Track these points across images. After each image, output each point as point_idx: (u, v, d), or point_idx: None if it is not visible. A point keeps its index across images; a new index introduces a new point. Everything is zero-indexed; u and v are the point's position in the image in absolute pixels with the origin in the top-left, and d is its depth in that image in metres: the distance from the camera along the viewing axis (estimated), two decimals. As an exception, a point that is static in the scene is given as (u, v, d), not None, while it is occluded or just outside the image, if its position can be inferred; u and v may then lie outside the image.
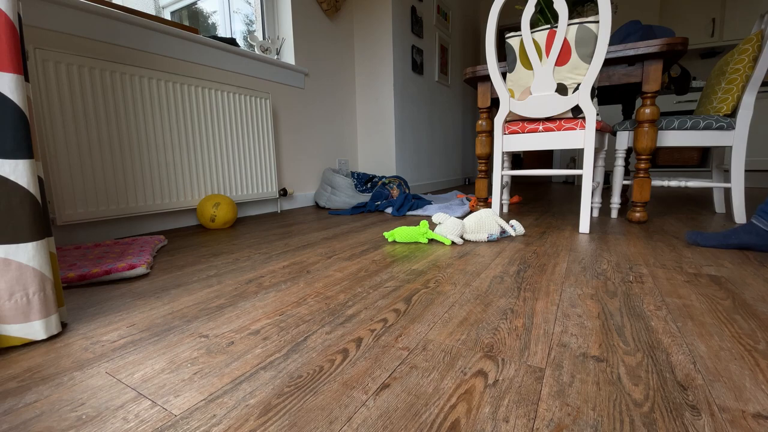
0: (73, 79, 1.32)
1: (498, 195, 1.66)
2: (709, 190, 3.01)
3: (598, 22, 1.28)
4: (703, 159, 3.27)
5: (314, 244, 1.35)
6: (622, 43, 1.61)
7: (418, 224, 1.55)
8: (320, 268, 1.03)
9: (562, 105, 1.40)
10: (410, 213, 2.06)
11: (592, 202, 1.85)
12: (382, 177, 2.49)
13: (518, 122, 1.57)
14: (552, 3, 1.85)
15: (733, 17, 3.29)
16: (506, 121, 1.61)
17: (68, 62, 1.30)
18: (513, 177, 5.54)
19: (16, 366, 0.56)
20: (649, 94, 1.49)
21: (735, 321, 0.66)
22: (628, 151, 2.36)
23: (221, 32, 2.35)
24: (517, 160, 5.95)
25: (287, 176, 2.39)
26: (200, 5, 2.49)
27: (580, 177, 4.13)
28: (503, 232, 1.37)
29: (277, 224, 1.79)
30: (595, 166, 1.80)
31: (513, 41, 1.49)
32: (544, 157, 5.72)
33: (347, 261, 1.10)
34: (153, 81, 1.55)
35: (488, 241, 1.32)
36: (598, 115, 1.51)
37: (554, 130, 1.48)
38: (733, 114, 1.61)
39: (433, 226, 1.61)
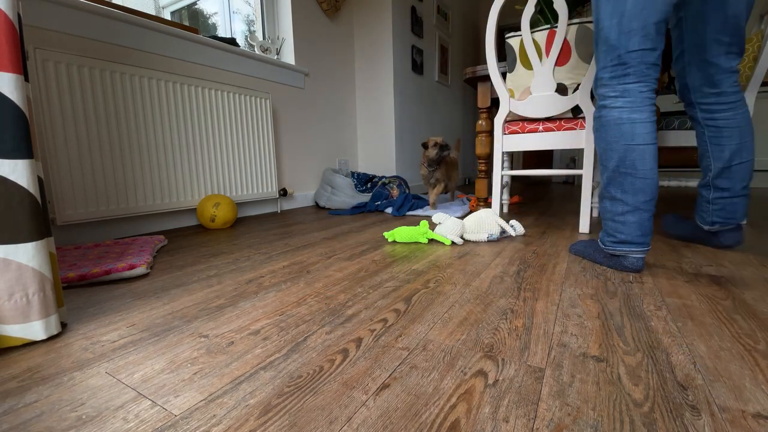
0: (73, 79, 1.32)
1: (498, 195, 1.65)
2: (709, 190, 3.01)
3: (598, 22, 1.28)
4: (703, 159, 3.27)
5: (314, 244, 1.35)
6: (622, 43, 1.61)
7: (418, 224, 1.55)
8: (320, 268, 1.03)
9: (562, 105, 1.40)
10: (410, 213, 2.06)
11: (592, 202, 1.85)
12: (382, 177, 2.49)
13: (518, 122, 1.57)
14: (552, 3, 1.85)
15: (733, 17, 3.29)
16: (506, 121, 1.61)
17: (68, 62, 1.30)
18: (513, 177, 5.53)
19: (16, 366, 0.56)
20: (649, 94, 1.49)
21: (735, 321, 0.66)
22: (628, 151, 2.35)
23: (221, 32, 2.35)
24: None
25: (287, 176, 2.39)
26: (200, 5, 2.49)
27: (580, 177, 4.13)
28: (503, 232, 1.37)
29: (277, 224, 1.79)
30: (595, 166, 1.80)
31: (513, 41, 1.49)
32: (544, 157, 5.72)
33: (347, 261, 1.10)
34: (153, 81, 1.55)
35: (488, 241, 1.32)
36: (598, 115, 1.50)
37: (554, 130, 1.48)
38: (733, 114, 1.60)
39: (433, 226, 1.61)
